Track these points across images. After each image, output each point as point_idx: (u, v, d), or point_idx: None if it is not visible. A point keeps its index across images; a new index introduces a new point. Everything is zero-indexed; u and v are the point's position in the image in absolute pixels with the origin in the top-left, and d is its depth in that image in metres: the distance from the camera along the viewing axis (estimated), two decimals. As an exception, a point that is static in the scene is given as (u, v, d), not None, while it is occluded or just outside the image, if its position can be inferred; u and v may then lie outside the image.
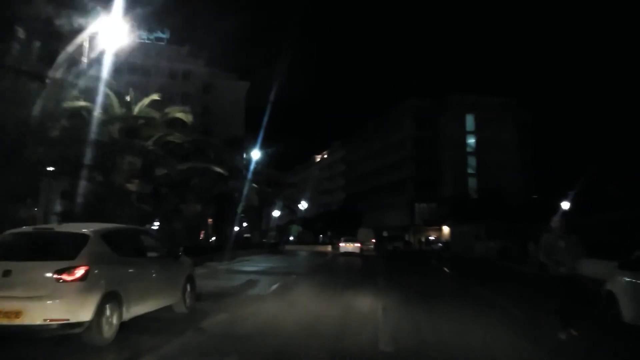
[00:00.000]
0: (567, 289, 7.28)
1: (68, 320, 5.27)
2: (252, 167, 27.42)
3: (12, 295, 5.25)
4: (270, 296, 11.32)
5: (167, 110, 19.60)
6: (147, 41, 55.23)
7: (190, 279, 8.33)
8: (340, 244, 38.34)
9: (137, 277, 6.66)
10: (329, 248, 43.92)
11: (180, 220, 23.21)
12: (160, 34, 54.99)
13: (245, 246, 32.27)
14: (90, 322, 5.42)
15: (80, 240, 5.86)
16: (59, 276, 5.37)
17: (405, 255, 41.02)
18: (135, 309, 6.44)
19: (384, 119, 76.14)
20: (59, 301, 5.29)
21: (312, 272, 20.02)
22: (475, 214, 50.65)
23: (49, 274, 5.38)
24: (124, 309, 6.06)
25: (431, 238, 67.77)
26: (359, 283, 14.79)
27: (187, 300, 8.09)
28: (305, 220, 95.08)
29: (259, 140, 27.74)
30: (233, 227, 29.56)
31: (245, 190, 25.35)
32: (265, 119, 29.76)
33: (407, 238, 66.54)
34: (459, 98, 68.09)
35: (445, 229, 66.57)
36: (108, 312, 5.74)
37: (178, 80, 53.89)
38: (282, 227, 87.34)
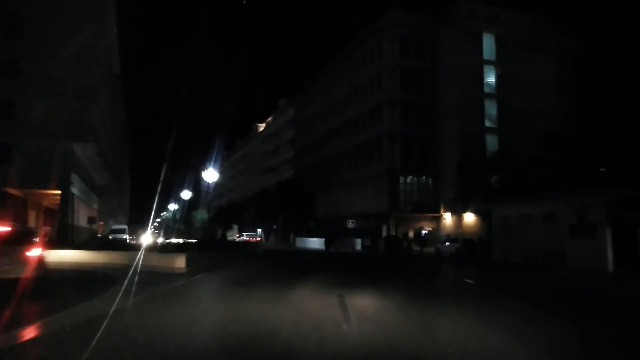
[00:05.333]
0: None
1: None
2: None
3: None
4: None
5: None
6: None
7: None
8: None
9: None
10: (178, 262, 15.02)
11: None
12: None
13: None
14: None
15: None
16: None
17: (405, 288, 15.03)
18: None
19: (352, 49, 49.86)
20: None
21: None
22: (528, 187, 25.10)
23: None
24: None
25: (424, 231, 42.36)
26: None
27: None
28: (232, 205, 67.95)
29: None
30: None
31: None
32: None
33: (388, 232, 40.56)
34: (470, 8, 42.63)
35: (449, 218, 41.30)
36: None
37: None
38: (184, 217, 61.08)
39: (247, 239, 45.27)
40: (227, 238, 41.48)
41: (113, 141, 56.73)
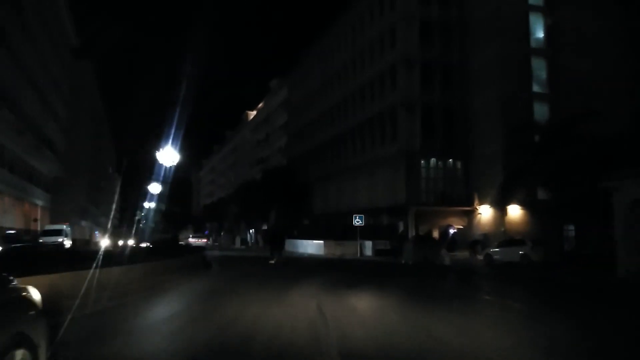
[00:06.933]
0: None
1: None
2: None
3: None
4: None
5: None
6: None
7: None
8: None
9: None
10: None
11: None
12: None
13: None
14: None
15: None
16: None
17: None
18: None
19: (356, 4, 40.15)
20: None
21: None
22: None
23: None
24: None
25: (452, 230, 32.86)
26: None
27: None
28: (216, 203, 58.30)
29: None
30: None
31: None
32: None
33: (406, 229, 30.98)
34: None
35: (486, 212, 31.70)
36: None
37: None
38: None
39: (195, 240, 35.97)
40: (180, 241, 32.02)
41: (69, 128, 47.19)
